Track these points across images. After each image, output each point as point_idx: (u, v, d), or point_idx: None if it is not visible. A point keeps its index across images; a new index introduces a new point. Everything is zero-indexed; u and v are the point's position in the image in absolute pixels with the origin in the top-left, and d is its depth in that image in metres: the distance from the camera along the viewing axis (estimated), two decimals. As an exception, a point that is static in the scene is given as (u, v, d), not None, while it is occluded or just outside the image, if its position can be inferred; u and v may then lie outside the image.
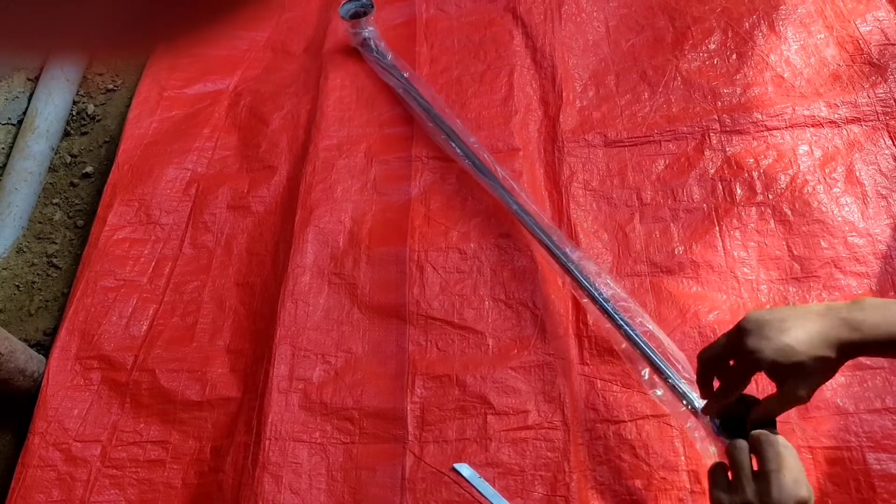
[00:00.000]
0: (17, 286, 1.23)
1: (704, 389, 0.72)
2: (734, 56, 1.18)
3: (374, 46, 1.31)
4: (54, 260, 1.25)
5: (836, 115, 1.07)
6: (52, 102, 1.43)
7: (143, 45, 0.24)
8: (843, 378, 0.85)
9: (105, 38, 0.23)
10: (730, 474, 0.66)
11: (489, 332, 0.98)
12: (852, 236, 0.96)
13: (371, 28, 1.32)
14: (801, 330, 0.62)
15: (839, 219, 0.98)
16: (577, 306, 0.98)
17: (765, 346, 0.63)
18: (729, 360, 0.68)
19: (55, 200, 1.34)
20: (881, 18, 1.15)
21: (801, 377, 0.63)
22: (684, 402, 0.79)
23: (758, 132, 1.08)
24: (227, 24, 0.23)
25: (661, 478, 0.84)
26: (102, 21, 0.21)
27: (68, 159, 1.40)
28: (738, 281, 0.96)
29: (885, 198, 0.99)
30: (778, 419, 0.85)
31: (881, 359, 0.86)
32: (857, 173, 1.01)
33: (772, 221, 0.99)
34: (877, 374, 0.85)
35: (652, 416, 0.87)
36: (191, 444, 0.97)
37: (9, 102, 1.48)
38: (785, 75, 1.13)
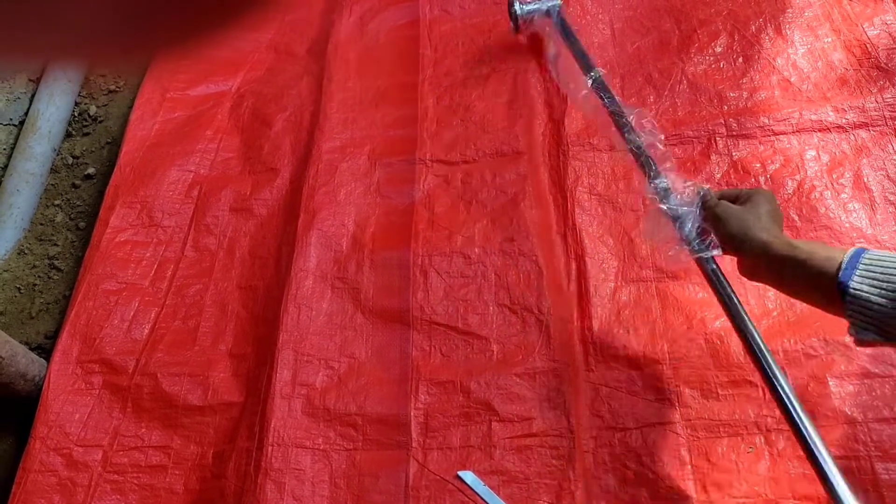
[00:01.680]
0: (18, 288, 1.22)
1: None
2: (740, 59, 1.17)
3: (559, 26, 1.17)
4: (56, 262, 1.25)
5: (844, 120, 1.06)
6: (54, 103, 1.42)
7: (144, 53, 0.24)
8: (851, 386, 0.85)
9: (105, 46, 0.22)
10: None
11: (494, 337, 0.97)
12: (860, 242, 0.95)
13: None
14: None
15: (847, 225, 0.97)
16: (583, 312, 0.97)
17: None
18: None
19: (57, 202, 1.33)
20: (889, 22, 1.14)
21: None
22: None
23: (764, 136, 1.07)
24: (229, 30, 0.22)
25: (668, 486, 0.83)
26: (103, 28, 0.21)
27: (70, 160, 1.39)
28: (744, 286, 0.95)
29: (894, 203, 0.98)
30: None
31: (890, 367, 0.85)
32: (865, 179, 1.00)
33: (779, 227, 0.99)
34: (885, 383, 0.84)
35: (658, 423, 0.87)
36: (193, 450, 0.97)
37: (10, 103, 1.48)
38: (792, 79, 1.12)
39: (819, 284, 0.62)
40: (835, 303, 0.61)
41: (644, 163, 0.88)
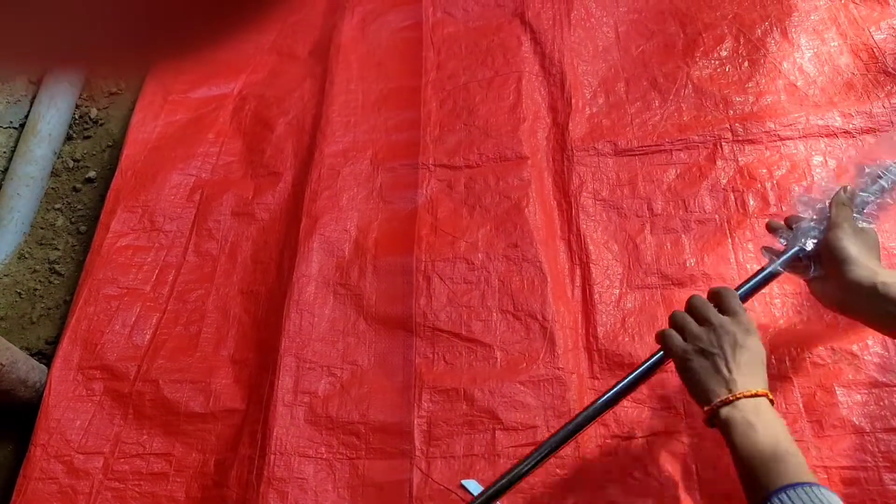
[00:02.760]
0: (19, 293, 1.21)
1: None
2: (746, 63, 1.16)
3: None
4: (56, 266, 1.24)
5: (851, 125, 1.05)
6: (55, 106, 1.42)
7: (146, 58, 0.23)
8: (859, 396, 0.84)
9: (107, 51, 0.22)
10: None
11: (497, 344, 0.96)
12: (868, 250, 0.94)
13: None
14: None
15: (854, 231, 0.96)
16: (587, 319, 0.96)
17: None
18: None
19: (57, 206, 1.33)
20: (896, 26, 1.13)
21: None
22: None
23: (771, 142, 1.06)
24: (230, 32, 0.22)
25: (673, 496, 0.82)
26: (104, 34, 0.20)
27: (71, 164, 1.38)
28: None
29: (901, 210, 0.97)
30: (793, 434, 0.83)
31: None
32: (872, 185, 0.99)
33: (785, 233, 0.98)
34: (893, 392, 0.83)
35: (664, 432, 0.86)
36: (194, 457, 0.96)
37: (11, 106, 1.47)
38: (798, 84, 1.11)
39: None
40: None
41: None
